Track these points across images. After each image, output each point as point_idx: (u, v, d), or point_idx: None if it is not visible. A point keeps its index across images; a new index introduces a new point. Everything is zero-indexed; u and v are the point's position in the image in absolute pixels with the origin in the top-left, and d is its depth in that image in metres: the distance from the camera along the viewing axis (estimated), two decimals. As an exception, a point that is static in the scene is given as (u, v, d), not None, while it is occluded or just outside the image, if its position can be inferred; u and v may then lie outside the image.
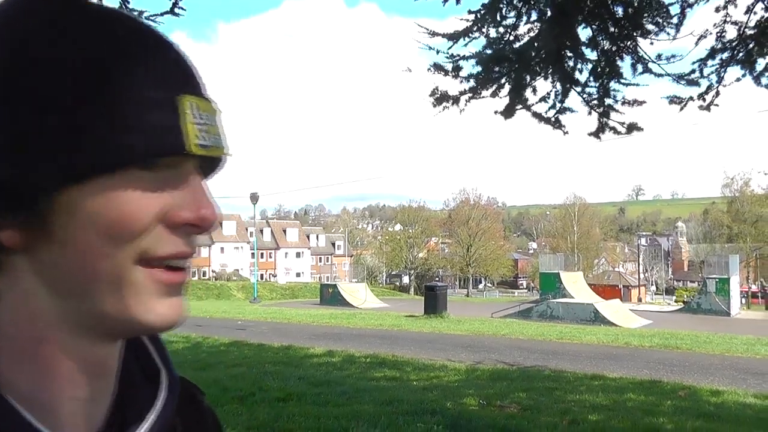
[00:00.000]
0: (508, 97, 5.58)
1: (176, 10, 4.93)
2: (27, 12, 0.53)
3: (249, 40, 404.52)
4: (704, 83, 5.57)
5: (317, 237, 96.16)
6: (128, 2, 5.03)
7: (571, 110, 5.74)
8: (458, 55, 5.41)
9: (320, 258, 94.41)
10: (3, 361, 0.53)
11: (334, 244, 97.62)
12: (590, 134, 5.78)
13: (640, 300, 56.19)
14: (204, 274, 75.08)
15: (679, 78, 5.35)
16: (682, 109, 5.55)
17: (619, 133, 5.66)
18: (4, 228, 0.51)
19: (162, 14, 4.93)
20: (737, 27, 5.34)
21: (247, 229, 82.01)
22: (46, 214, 0.51)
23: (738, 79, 5.56)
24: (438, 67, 5.48)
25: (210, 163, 0.60)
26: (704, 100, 5.54)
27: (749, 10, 5.24)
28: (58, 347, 0.55)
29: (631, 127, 5.60)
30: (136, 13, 4.85)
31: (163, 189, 0.54)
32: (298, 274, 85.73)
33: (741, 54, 5.37)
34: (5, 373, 0.53)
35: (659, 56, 5.34)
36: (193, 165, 0.57)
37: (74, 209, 0.51)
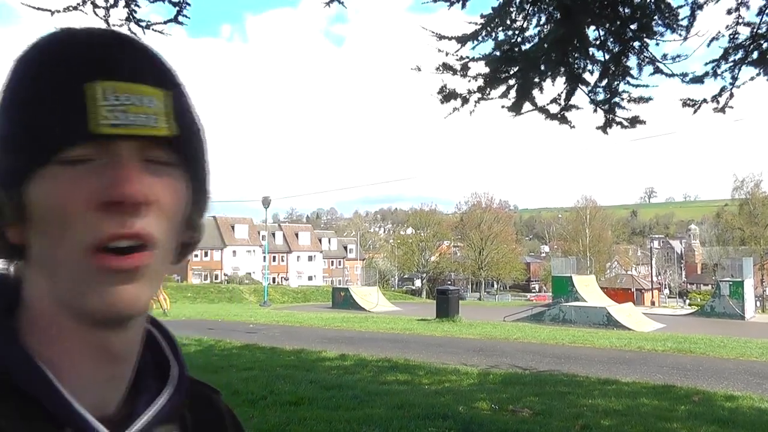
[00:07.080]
0: (515, 95, 5.56)
1: (180, 18, 4.96)
2: (24, 54, 0.62)
3: (263, 38, 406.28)
4: (718, 84, 5.55)
5: (329, 240, 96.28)
6: (135, 12, 5.07)
7: (576, 107, 5.72)
8: (467, 57, 5.40)
9: (332, 261, 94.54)
10: (35, 334, 0.61)
11: (346, 248, 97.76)
12: (598, 128, 5.77)
13: (653, 303, 55.78)
14: (216, 277, 75.30)
15: (683, 76, 5.32)
16: (695, 111, 5.52)
17: (624, 127, 5.65)
18: (9, 227, 0.60)
19: (165, 22, 4.97)
20: (750, 28, 5.31)
21: (259, 233, 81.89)
22: (22, 212, 0.59)
23: (752, 78, 5.51)
24: (446, 67, 5.45)
25: (180, 149, 0.62)
26: (718, 102, 5.49)
27: (762, 12, 5.21)
28: (64, 328, 0.61)
29: (634, 121, 5.58)
30: (143, 24, 4.91)
31: (91, 177, 0.58)
32: (310, 278, 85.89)
33: (755, 54, 5.32)
34: (37, 347, 0.60)
35: (665, 56, 5.32)
36: (132, 149, 0.59)
37: (31, 206, 0.58)
